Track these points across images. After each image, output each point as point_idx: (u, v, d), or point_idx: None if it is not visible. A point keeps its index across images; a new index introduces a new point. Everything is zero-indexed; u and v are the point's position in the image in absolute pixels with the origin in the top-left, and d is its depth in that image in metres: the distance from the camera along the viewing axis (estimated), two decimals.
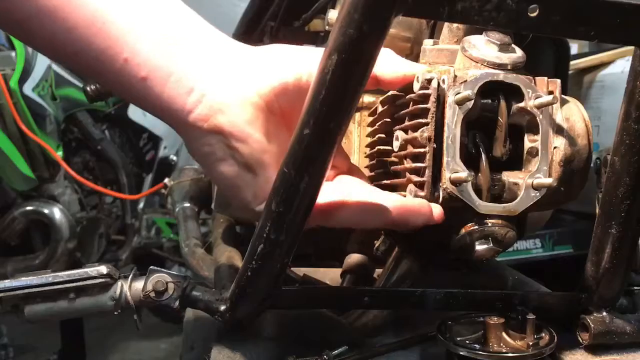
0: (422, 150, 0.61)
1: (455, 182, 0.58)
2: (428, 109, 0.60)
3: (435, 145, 0.61)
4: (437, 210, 0.61)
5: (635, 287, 0.71)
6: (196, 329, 0.86)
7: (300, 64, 0.57)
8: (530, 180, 0.60)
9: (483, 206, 0.60)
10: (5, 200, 2.52)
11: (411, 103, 0.63)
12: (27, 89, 2.43)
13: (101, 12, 0.53)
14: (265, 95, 0.57)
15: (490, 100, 0.61)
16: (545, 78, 0.62)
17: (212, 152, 0.57)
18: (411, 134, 0.63)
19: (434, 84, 0.60)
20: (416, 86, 0.61)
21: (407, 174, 0.64)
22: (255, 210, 0.60)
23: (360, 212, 0.60)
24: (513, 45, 0.62)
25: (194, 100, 0.56)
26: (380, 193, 0.63)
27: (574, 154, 0.63)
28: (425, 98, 0.60)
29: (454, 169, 0.58)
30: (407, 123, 0.64)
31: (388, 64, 0.61)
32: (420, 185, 0.62)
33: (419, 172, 0.62)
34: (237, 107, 0.56)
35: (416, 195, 0.62)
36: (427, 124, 0.60)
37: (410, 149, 0.63)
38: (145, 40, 0.54)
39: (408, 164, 0.64)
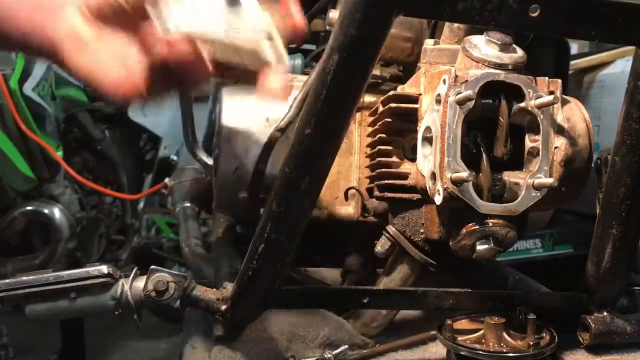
0: None
1: (456, 182, 0.58)
2: None
3: None
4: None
5: (636, 287, 0.71)
6: (197, 328, 0.86)
7: None
8: (531, 180, 0.60)
9: (484, 206, 0.59)
10: (5, 200, 2.51)
11: None
12: (27, 89, 2.42)
13: None
14: (91, 9, 0.70)
15: (491, 100, 0.60)
16: (546, 78, 0.62)
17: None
18: None
19: None
20: None
21: None
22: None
23: None
24: (514, 45, 0.62)
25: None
26: None
27: (575, 154, 0.63)
28: None
29: (455, 169, 0.58)
30: None
31: None
32: None
33: None
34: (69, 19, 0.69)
35: None
36: None
37: None
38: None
39: None
